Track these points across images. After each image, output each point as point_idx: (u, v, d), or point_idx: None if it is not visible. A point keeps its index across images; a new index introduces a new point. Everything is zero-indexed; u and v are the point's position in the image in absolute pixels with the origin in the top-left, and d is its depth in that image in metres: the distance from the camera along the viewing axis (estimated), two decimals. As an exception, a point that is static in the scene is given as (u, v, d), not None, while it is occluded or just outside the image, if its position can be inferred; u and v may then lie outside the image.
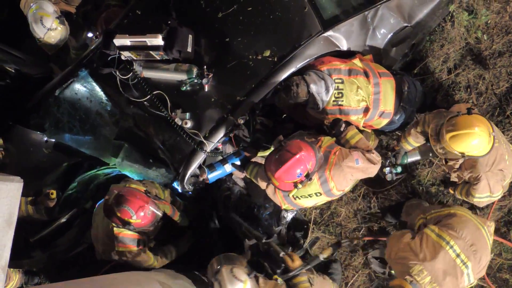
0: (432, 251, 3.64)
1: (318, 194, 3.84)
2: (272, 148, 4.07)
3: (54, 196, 4.27)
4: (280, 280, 3.89)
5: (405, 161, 4.40)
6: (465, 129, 3.49)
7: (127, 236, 4.01)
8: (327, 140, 3.86)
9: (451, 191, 4.35)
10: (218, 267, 3.75)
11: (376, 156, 3.75)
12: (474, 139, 3.49)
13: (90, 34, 4.76)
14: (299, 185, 3.65)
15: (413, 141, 4.18)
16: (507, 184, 3.93)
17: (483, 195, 3.89)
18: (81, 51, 4.71)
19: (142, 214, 3.86)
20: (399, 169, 4.42)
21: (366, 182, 4.84)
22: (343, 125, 3.87)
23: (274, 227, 4.51)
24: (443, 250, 3.63)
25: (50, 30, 4.28)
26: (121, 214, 3.82)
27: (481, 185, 3.81)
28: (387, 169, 4.37)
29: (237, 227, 4.51)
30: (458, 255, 3.64)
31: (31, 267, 4.82)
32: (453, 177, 4.01)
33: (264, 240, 4.34)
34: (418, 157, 4.41)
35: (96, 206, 4.32)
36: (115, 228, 3.98)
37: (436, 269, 3.59)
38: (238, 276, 3.65)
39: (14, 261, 4.55)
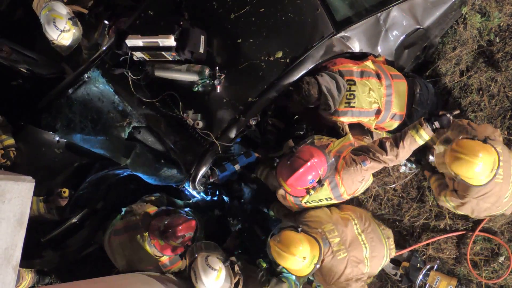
0: (341, 221, 3.82)
1: (329, 199, 3.86)
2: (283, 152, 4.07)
3: (66, 194, 4.28)
4: (262, 262, 4.03)
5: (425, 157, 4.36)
6: (468, 156, 3.36)
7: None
8: (337, 144, 3.87)
9: (426, 174, 4.32)
10: (194, 256, 3.79)
11: (392, 157, 3.69)
12: (473, 168, 3.37)
13: (106, 22, 4.73)
14: (311, 191, 3.67)
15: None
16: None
17: (451, 204, 3.87)
18: (93, 51, 4.72)
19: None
20: (414, 165, 4.46)
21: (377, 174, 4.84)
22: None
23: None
24: (350, 222, 3.84)
25: (64, 32, 4.28)
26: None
27: (464, 207, 3.76)
28: (402, 161, 4.36)
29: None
30: (359, 234, 3.83)
31: (43, 267, 4.84)
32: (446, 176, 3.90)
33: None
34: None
35: (111, 236, 4.33)
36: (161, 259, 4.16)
37: (345, 234, 3.75)
38: (213, 265, 3.71)
39: (26, 261, 4.58)
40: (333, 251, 3.67)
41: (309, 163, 3.55)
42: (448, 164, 3.48)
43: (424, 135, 3.60)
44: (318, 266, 3.59)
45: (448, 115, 3.59)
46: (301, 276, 3.69)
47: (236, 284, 3.89)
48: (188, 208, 4.56)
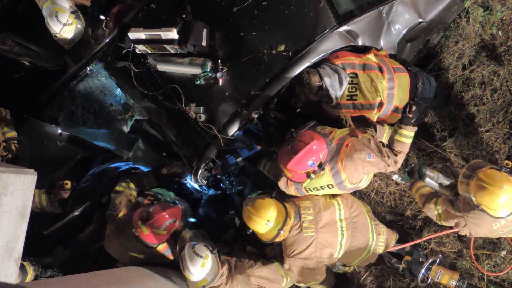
0: (323, 204, 3.97)
1: (330, 186, 3.85)
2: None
3: (68, 186, 4.26)
4: (251, 249, 4.21)
5: (421, 173, 4.34)
6: (495, 186, 3.37)
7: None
8: (340, 132, 3.87)
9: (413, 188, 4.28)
10: (183, 244, 3.85)
11: (392, 162, 3.77)
12: (498, 198, 3.37)
13: (102, 17, 4.71)
14: (312, 175, 3.66)
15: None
16: None
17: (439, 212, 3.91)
18: (95, 44, 4.71)
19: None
20: (406, 179, 4.46)
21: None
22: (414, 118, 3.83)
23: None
24: (334, 207, 3.96)
25: (66, 25, 4.27)
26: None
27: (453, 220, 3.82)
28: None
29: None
30: (340, 220, 3.94)
31: (54, 263, 4.84)
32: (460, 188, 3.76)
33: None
34: (433, 184, 4.36)
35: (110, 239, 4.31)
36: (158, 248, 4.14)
37: (320, 216, 3.90)
38: (199, 252, 3.76)
39: (37, 258, 4.61)
40: (302, 227, 3.85)
41: (309, 146, 3.55)
42: (473, 193, 3.48)
43: (408, 133, 3.74)
44: (282, 232, 3.76)
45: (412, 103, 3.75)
46: (266, 240, 3.82)
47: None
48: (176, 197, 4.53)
